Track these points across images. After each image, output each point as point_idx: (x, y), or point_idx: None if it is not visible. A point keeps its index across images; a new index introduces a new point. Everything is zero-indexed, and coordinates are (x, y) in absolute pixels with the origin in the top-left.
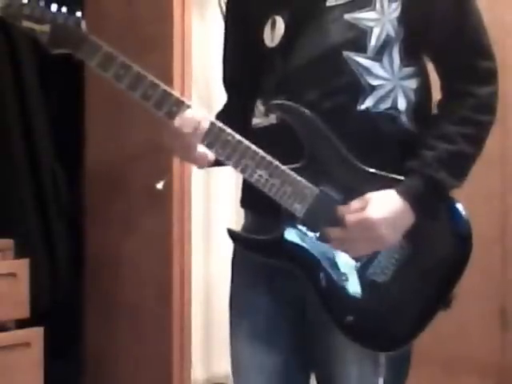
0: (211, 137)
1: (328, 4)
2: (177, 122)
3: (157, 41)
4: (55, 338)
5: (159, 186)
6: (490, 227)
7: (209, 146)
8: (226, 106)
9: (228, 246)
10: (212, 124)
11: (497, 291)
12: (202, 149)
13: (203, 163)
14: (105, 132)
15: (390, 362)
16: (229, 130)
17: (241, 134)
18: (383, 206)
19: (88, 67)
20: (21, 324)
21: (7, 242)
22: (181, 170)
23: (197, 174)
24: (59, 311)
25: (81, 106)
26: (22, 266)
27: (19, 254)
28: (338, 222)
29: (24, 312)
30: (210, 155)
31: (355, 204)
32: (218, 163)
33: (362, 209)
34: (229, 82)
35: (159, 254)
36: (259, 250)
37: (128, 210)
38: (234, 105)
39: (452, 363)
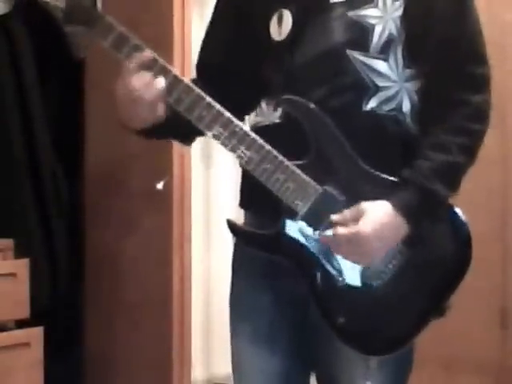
0: (217, 125)
1: (331, 0)
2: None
3: (157, 41)
4: (55, 338)
5: (159, 185)
6: (490, 227)
7: (215, 137)
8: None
9: (228, 245)
10: (218, 112)
11: (497, 291)
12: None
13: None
14: (105, 132)
15: (387, 366)
16: (236, 121)
17: None
18: (376, 219)
19: (88, 67)
20: (21, 324)
21: (7, 242)
22: (181, 169)
23: (197, 174)
24: (59, 311)
25: (81, 105)
26: (22, 266)
27: (19, 253)
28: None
29: (24, 312)
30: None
31: (349, 214)
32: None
33: (355, 221)
34: (214, 68)
35: (159, 253)
36: (258, 244)
37: (128, 209)
38: (218, 93)
39: (452, 363)
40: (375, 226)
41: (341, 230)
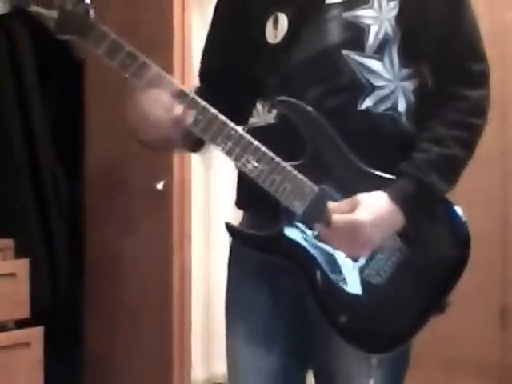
0: (213, 128)
1: (327, 2)
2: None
3: (157, 41)
4: (55, 338)
5: (159, 186)
6: (490, 227)
7: (211, 139)
8: (217, 98)
9: (228, 245)
10: (214, 116)
11: (497, 290)
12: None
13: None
14: (105, 132)
15: (385, 364)
16: (232, 124)
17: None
18: (372, 208)
19: (88, 67)
20: (21, 324)
21: (7, 242)
22: (181, 170)
23: (197, 174)
24: (59, 311)
25: (81, 105)
26: (22, 266)
27: (19, 253)
28: (329, 221)
29: (24, 312)
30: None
31: (345, 204)
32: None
33: (352, 210)
34: (216, 72)
35: (159, 253)
36: (257, 245)
37: (128, 210)
38: (218, 96)
39: (452, 363)
40: (372, 214)
41: (338, 218)
